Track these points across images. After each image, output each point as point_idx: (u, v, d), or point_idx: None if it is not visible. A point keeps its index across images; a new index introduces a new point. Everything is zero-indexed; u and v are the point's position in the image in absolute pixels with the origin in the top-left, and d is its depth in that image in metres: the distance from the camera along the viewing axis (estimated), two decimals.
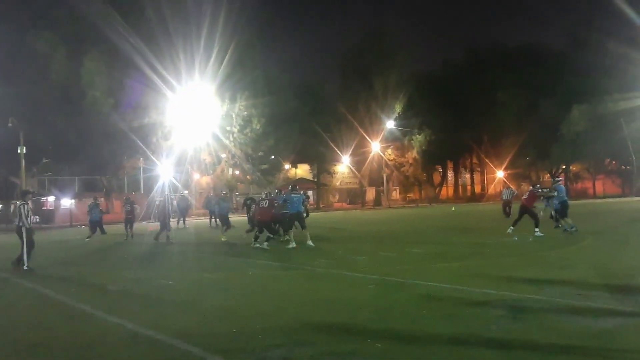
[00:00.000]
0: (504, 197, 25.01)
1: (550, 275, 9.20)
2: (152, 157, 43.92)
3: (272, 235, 16.09)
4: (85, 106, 38.62)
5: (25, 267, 11.93)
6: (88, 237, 20.68)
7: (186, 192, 46.39)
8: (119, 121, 39.30)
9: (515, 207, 18.49)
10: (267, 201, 16.34)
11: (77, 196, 42.27)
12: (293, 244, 15.12)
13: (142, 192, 46.99)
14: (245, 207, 29.89)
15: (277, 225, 16.67)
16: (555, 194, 17.19)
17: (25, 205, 12.12)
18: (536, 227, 15.94)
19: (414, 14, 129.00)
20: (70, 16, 38.48)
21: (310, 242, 15.36)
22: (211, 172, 50.66)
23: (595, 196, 60.26)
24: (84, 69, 38.43)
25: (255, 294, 8.65)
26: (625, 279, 8.56)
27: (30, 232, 12.12)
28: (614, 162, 62.34)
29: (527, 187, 18.74)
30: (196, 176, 52.83)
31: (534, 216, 16.32)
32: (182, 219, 28.98)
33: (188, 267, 12.86)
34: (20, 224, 11.95)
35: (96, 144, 40.31)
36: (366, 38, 61.22)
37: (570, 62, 57.20)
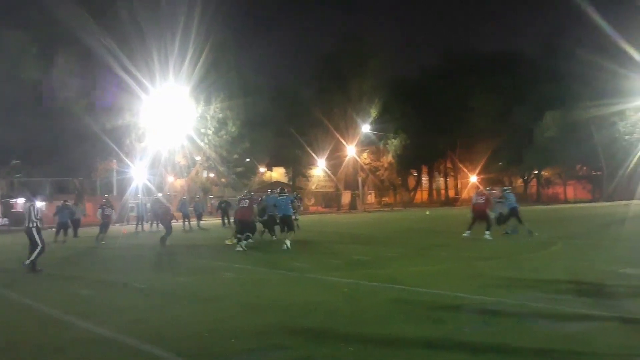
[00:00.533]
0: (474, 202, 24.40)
1: (522, 278, 9.31)
2: (126, 159, 43.41)
3: (250, 235, 16.13)
4: (57, 107, 38.05)
5: (26, 263, 12.03)
6: (54, 241, 20.08)
7: (160, 194, 45.95)
8: (92, 123, 38.78)
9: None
10: (247, 200, 16.35)
11: (48, 198, 41.48)
12: (286, 245, 15.22)
13: (115, 194, 46.33)
14: (219, 210, 29.84)
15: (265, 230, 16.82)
16: (504, 200, 17.85)
17: (34, 206, 12.37)
18: (487, 230, 16.45)
19: (389, 19, 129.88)
20: (42, 16, 37.86)
21: (287, 245, 15.27)
22: (185, 174, 50.25)
23: (566, 201, 61.29)
24: (56, 69, 37.87)
25: (229, 298, 8.57)
26: (595, 283, 8.70)
27: (40, 232, 12.25)
28: (584, 167, 63.50)
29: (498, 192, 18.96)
30: (170, 179, 52.34)
31: (488, 220, 16.80)
32: (156, 222, 28.72)
33: (162, 270, 12.70)
34: (31, 225, 12.13)
35: (68, 146, 39.69)
36: (342, 42, 61.45)
37: (543, 69, 58.25)
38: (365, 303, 7.75)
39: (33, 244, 12.08)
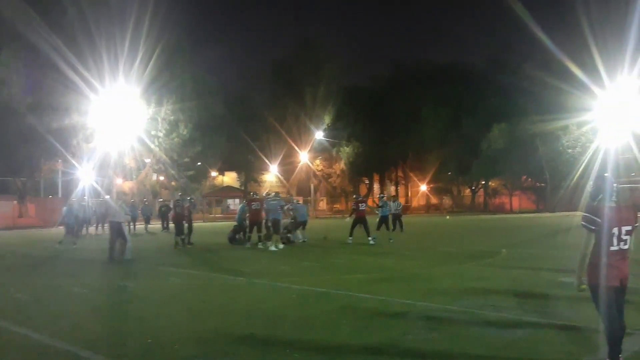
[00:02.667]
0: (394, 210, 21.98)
1: (467, 287, 9.47)
2: (72, 160, 42.12)
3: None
4: (0, 104, 36.61)
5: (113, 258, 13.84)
6: None
7: (108, 196, 44.75)
8: (36, 122, 37.46)
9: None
10: (258, 203, 17.70)
11: None
12: (274, 247, 16.47)
13: (60, 195, 44.87)
14: (160, 214, 29.35)
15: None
16: (382, 205, 19.73)
17: (120, 203, 14.21)
18: (368, 235, 18.19)
19: (343, 28, 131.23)
20: None
21: (273, 247, 16.45)
22: (135, 177, 49.21)
23: (511, 211, 62.95)
24: None
25: (174, 304, 8.41)
26: (537, 292, 8.94)
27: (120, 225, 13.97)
28: (529, 179, 65.43)
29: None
30: (119, 181, 51.11)
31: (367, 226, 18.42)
32: (100, 224, 28.07)
33: (106, 275, 12.31)
34: (117, 220, 13.70)
35: (11, 144, 38.16)
36: (296, 48, 61.68)
37: (491, 83, 59.92)
38: (312, 310, 7.73)
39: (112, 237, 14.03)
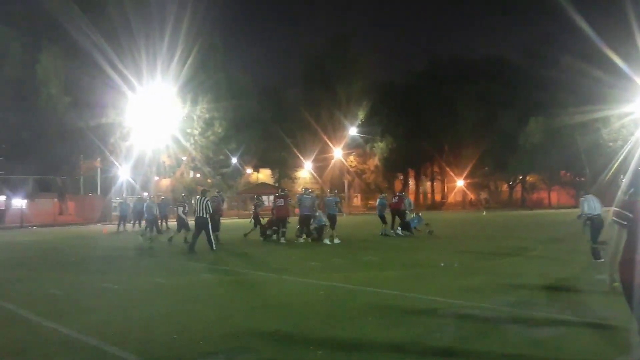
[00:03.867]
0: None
1: (498, 282, 9.30)
2: (110, 158, 43.01)
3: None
4: (40, 103, 37.59)
5: (214, 248, 15.14)
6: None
7: (146, 194, 45.55)
8: (76, 120, 38.34)
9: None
10: (282, 200, 18.57)
11: (29, 196, 41.05)
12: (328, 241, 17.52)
13: (98, 193, 45.90)
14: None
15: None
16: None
17: (206, 200, 15.22)
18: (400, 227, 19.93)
19: (377, 23, 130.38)
20: (27, 10, 37.44)
21: (327, 241, 17.61)
22: (171, 174, 49.92)
23: (550, 206, 61.67)
24: (39, 65, 37.42)
25: (203, 300, 8.46)
26: (569, 288, 8.71)
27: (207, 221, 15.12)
28: (568, 173, 63.93)
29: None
30: (155, 178, 51.97)
31: (403, 217, 20.05)
32: (138, 222, 28.43)
33: (139, 271, 12.50)
34: (204, 215, 14.98)
35: (51, 143, 39.15)
36: (329, 45, 61.40)
37: (528, 76, 58.65)
38: (339, 307, 7.66)
39: (206, 231, 15.14)
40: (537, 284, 9.18)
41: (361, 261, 13.20)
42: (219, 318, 7.02)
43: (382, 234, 20.31)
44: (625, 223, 4.23)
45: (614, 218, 4.32)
